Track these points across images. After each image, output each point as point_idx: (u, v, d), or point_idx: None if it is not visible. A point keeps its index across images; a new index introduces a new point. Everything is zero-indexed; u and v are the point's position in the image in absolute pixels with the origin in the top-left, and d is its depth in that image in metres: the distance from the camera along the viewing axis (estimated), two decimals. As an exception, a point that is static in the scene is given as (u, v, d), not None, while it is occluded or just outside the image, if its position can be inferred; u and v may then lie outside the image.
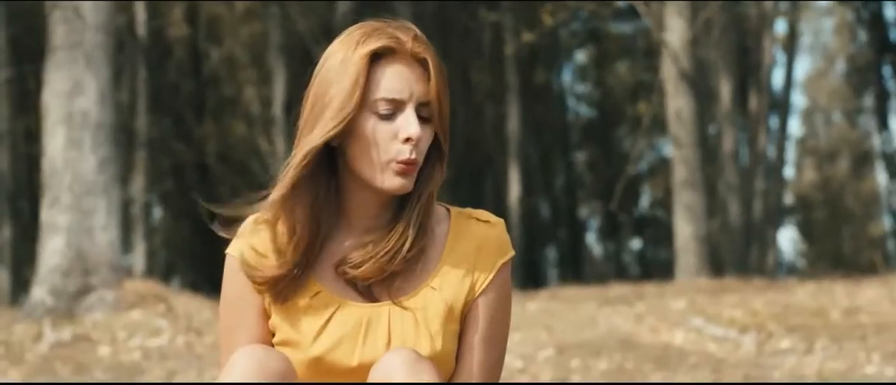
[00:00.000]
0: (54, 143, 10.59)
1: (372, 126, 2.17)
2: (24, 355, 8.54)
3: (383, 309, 2.22)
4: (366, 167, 2.19)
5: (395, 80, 2.16)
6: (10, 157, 23.94)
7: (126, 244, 23.62)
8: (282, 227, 2.22)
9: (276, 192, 2.20)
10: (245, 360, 2.13)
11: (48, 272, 10.39)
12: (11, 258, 24.08)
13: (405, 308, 2.22)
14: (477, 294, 2.26)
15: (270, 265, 2.23)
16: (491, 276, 2.27)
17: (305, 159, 2.17)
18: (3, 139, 24.05)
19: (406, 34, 2.19)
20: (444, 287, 2.24)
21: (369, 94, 2.16)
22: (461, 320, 2.26)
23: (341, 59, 2.17)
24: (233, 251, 2.29)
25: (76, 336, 9.14)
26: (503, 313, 2.29)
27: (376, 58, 2.17)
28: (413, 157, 2.17)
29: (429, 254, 2.25)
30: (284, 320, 2.25)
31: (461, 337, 2.26)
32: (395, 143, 2.17)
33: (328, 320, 2.23)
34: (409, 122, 2.17)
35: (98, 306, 10.17)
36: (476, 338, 2.26)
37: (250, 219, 2.30)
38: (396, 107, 2.17)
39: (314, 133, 2.17)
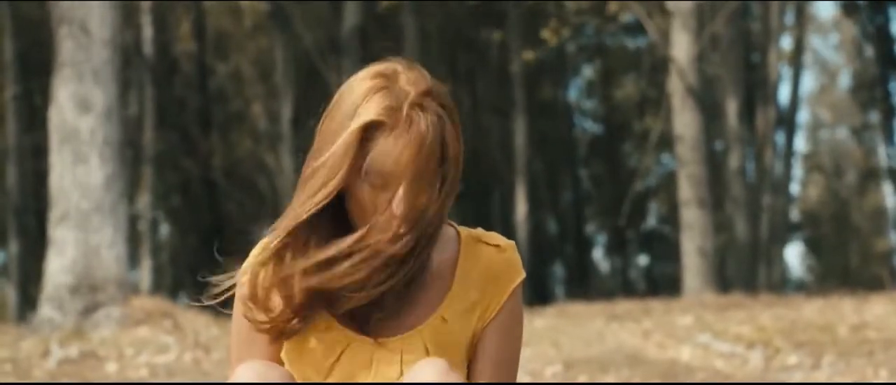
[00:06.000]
0: (61, 159, 10.59)
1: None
2: (32, 372, 8.53)
3: (394, 343, 2.19)
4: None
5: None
6: (18, 174, 24.00)
7: (133, 260, 23.64)
8: (292, 265, 2.17)
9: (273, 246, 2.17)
10: (246, 374, 2.13)
11: (55, 289, 10.38)
12: (18, 275, 24.13)
13: (416, 341, 2.19)
14: (487, 321, 2.23)
15: (273, 313, 2.19)
16: (501, 303, 2.24)
17: (288, 232, 2.14)
18: (10, 155, 24.11)
19: (408, 95, 2.11)
20: (453, 318, 2.21)
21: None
22: (472, 347, 2.23)
23: (339, 121, 2.12)
24: (244, 279, 2.24)
25: (83, 353, 9.13)
26: (514, 336, 2.26)
27: (372, 126, 2.10)
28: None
29: (437, 281, 2.22)
30: (294, 354, 2.23)
31: (472, 362, 2.24)
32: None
33: (339, 357, 2.20)
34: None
35: (105, 323, 10.17)
36: (487, 363, 2.23)
37: (262, 243, 2.24)
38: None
39: (306, 193, 2.13)
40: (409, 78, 2.14)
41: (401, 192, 2.10)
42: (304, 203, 2.13)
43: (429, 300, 2.21)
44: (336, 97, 2.17)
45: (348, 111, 2.12)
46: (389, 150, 2.09)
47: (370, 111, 2.10)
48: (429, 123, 2.10)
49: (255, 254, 2.25)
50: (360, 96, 2.12)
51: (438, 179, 2.13)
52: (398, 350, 2.19)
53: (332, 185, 2.10)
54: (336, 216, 2.17)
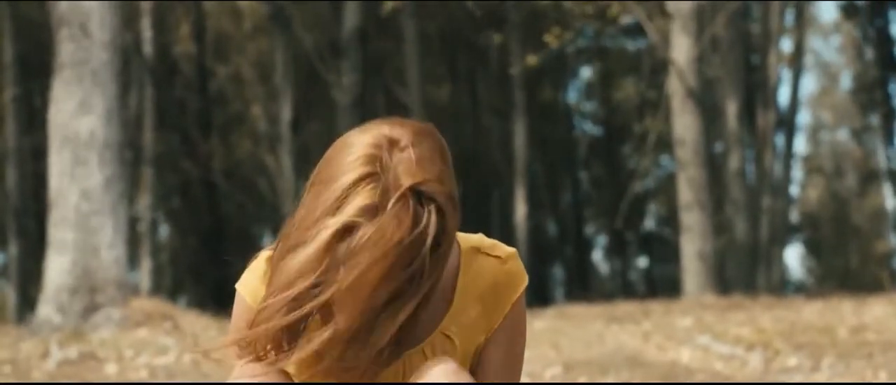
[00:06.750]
0: (61, 160, 10.59)
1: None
2: (31, 373, 8.53)
3: (397, 362, 2.13)
4: None
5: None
6: (17, 175, 24.02)
7: (133, 262, 23.65)
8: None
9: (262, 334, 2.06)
10: (244, 374, 2.11)
11: (55, 290, 10.39)
12: (18, 276, 24.14)
13: (418, 359, 2.15)
14: (491, 332, 2.20)
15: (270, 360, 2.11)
16: (505, 314, 2.20)
17: (272, 332, 2.03)
18: (10, 157, 24.12)
19: (397, 188, 1.97)
20: (456, 334, 2.18)
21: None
22: (475, 355, 2.21)
23: (322, 206, 1.99)
24: (243, 291, 2.20)
25: (83, 354, 9.13)
26: (517, 344, 2.24)
27: (352, 226, 1.96)
28: None
29: (439, 297, 2.14)
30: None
31: (475, 368, 2.21)
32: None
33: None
34: None
35: (105, 324, 10.18)
36: (490, 370, 2.21)
37: (263, 256, 2.19)
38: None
39: (282, 284, 2.01)
40: (405, 165, 2.00)
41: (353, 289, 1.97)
42: (277, 307, 2.01)
43: (430, 316, 2.15)
44: (327, 163, 2.05)
45: (333, 200, 1.99)
46: (360, 248, 1.95)
47: (350, 211, 1.96)
48: (410, 225, 1.96)
49: (254, 267, 2.20)
50: (345, 186, 1.99)
51: (406, 279, 1.98)
52: (400, 368, 2.16)
53: (307, 302, 1.99)
54: None
